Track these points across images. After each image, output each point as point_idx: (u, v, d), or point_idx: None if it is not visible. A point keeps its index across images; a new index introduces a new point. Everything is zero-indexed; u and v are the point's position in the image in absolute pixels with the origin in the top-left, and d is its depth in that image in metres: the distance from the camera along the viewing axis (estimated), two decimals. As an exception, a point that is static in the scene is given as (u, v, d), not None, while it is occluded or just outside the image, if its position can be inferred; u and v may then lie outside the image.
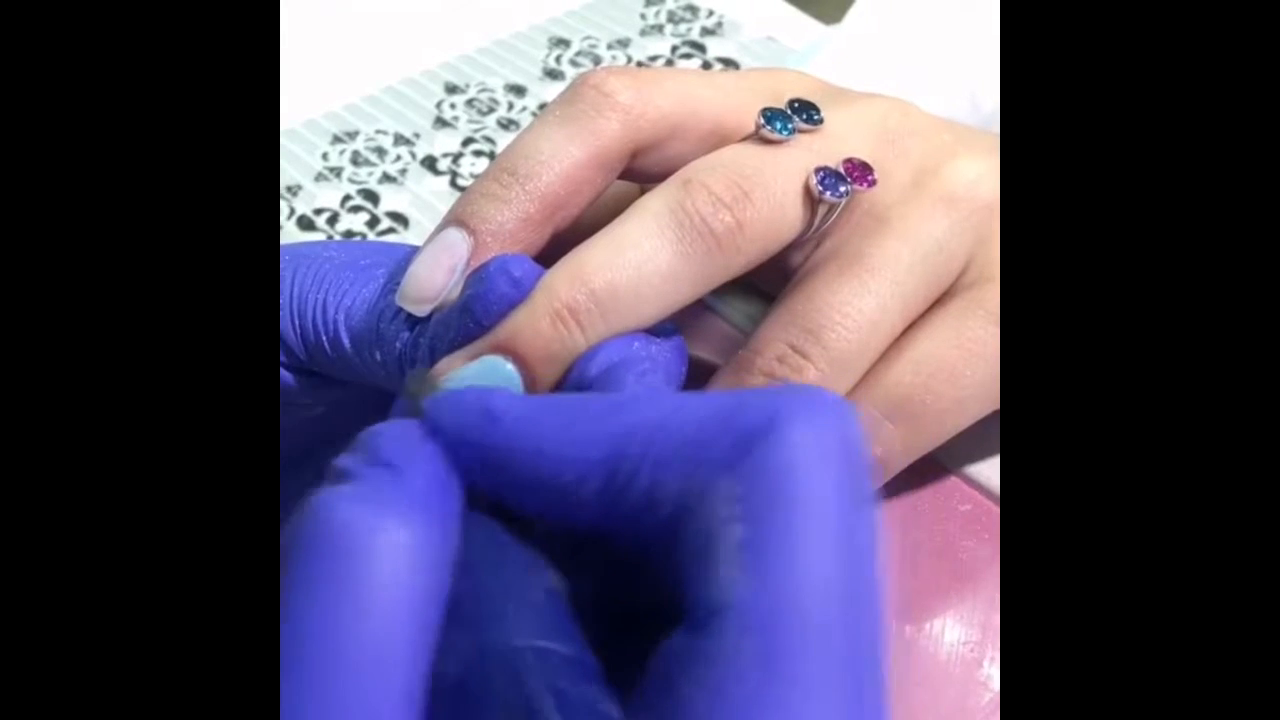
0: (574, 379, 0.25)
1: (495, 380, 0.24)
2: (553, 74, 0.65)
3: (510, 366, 0.25)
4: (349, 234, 0.58)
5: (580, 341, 0.25)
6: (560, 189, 0.27)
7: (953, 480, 0.33)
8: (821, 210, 0.27)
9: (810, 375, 0.26)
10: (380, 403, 0.33)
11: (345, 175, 0.61)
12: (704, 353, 0.30)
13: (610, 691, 0.20)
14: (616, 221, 0.26)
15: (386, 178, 0.60)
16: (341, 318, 0.27)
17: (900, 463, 0.28)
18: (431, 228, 0.60)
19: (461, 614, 0.20)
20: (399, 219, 0.59)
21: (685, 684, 0.19)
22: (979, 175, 0.28)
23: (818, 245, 0.28)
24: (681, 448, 0.20)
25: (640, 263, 0.25)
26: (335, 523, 0.19)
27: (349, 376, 0.28)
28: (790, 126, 0.27)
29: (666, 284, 0.25)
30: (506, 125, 0.62)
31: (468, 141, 0.62)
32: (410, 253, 0.28)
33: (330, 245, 0.29)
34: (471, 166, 0.60)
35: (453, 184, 0.60)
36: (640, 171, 0.28)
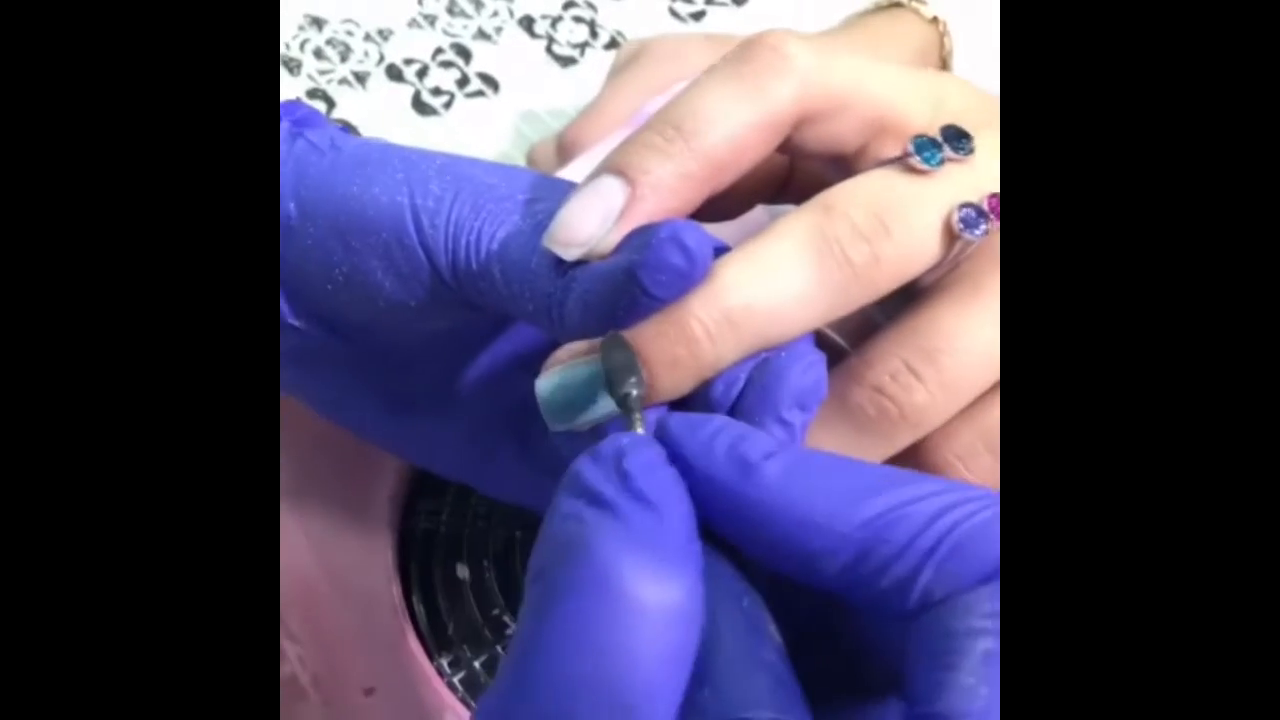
0: (705, 396, 0.25)
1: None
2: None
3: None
4: (436, 90, 0.56)
5: (710, 355, 0.24)
6: (725, 150, 0.26)
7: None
8: (959, 245, 0.26)
9: (918, 396, 0.25)
10: (507, 329, 0.32)
11: (439, 25, 0.59)
12: (830, 329, 0.29)
13: None
14: (755, 240, 0.25)
15: (481, 34, 0.58)
16: (495, 249, 0.27)
17: None
18: (523, 94, 0.59)
19: (701, 669, 0.20)
20: (489, 81, 0.57)
21: None
22: None
23: (954, 267, 0.27)
24: (950, 549, 0.20)
25: (777, 284, 0.25)
26: (607, 566, 0.19)
27: (492, 305, 0.28)
28: (939, 157, 0.26)
29: (800, 308, 0.25)
30: (610, -7, 0.60)
31: (568, 5, 0.59)
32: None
33: (493, 170, 0.28)
34: (569, 34, 0.58)
35: (548, 50, 0.58)
36: (798, 145, 0.27)
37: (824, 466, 0.21)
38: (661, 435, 0.22)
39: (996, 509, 0.20)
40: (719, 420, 0.22)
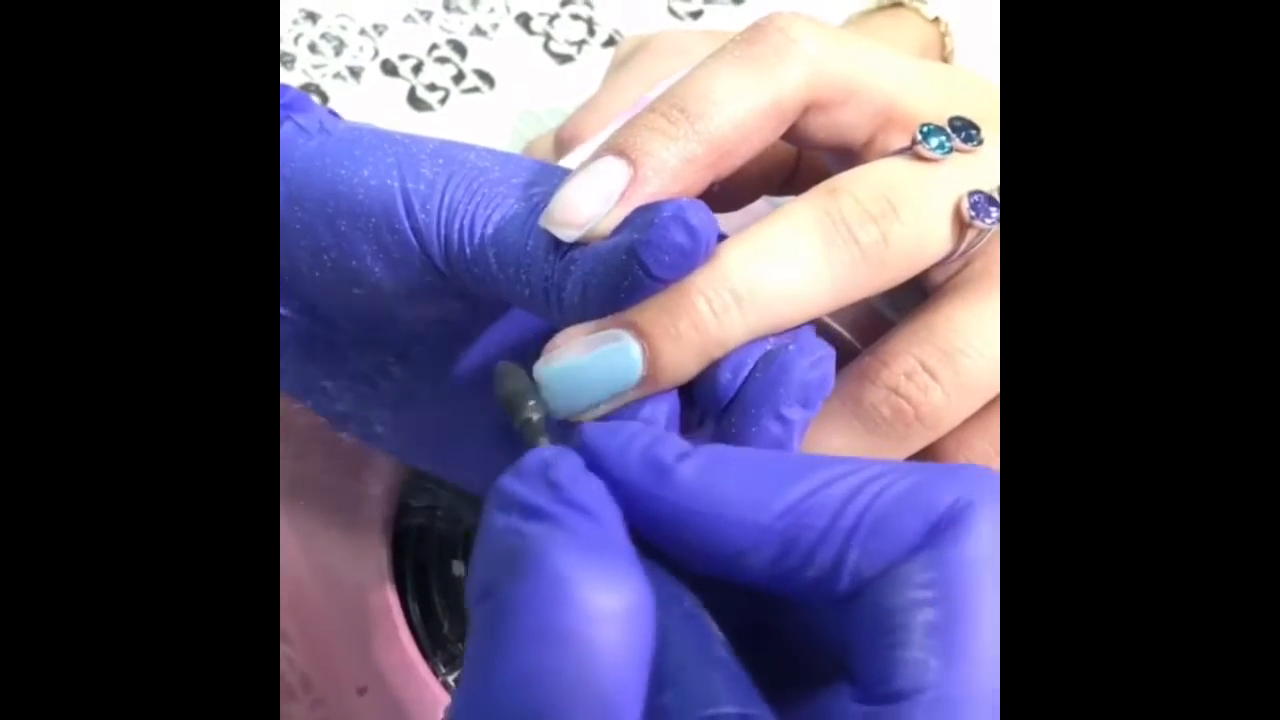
0: (712, 383, 0.25)
1: (615, 368, 0.24)
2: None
3: (635, 348, 0.24)
4: (432, 86, 0.56)
5: (715, 331, 0.24)
6: (731, 134, 0.25)
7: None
8: (970, 234, 0.25)
9: (935, 397, 0.25)
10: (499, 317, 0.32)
11: (435, 20, 0.58)
12: (839, 324, 0.29)
13: None
14: (760, 222, 0.25)
15: (477, 30, 0.58)
16: (490, 233, 0.26)
17: None
18: (520, 93, 0.58)
19: (657, 674, 0.19)
20: (485, 77, 0.56)
21: None
22: None
23: (966, 264, 0.27)
24: (873, 525, 0.20)
25: (783, 263, 0.24)
26: (559, 575, 0.19)
27: (486, 291, 0.27)
28: (948, 145, 0.26)
29: (808, 288, 0.24)
30: (608, -9, 0.60)
31: (566, 2, 0.59)
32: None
33: (488, 155, 0.28)
34: (567, 31, 0.58)
35: (545, 47, 0.57)
36: (804, 133, 0.27)
37: (738, 461, 0.21)
38: (578, 445, 0.22)
39: (912, 478, 0.20)
40: (634, 426, 0.22)
